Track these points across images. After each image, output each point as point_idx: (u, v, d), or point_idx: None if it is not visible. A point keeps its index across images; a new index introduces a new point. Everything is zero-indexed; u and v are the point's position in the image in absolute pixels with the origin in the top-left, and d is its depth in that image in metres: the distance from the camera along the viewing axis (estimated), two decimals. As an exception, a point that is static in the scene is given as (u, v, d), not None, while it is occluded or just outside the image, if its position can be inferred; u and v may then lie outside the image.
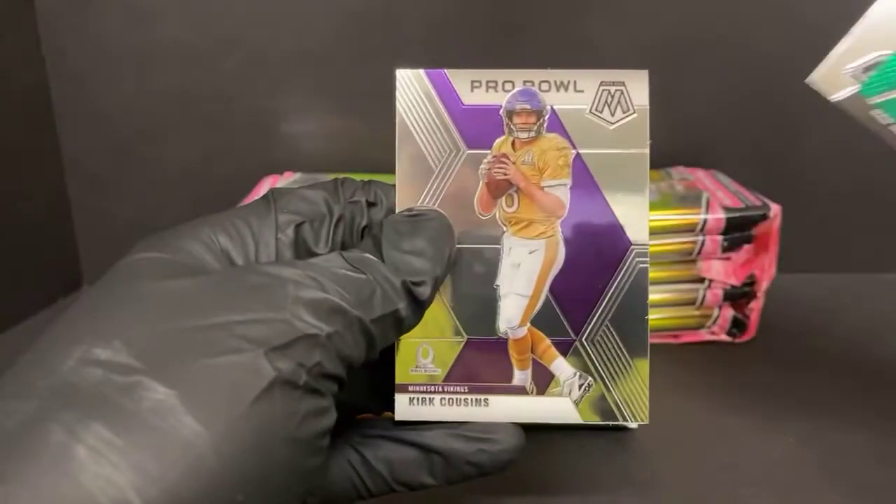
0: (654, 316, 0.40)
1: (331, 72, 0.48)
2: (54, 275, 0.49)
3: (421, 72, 0.24)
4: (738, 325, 0.40)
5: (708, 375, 0.38)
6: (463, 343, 0.23)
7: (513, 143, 0.23)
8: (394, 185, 0.24)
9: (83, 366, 0.16)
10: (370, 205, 0.23)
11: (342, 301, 0.19)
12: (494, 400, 0.23)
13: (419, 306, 0.21)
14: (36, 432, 0.15)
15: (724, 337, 0.41)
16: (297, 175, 0.47)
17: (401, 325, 0.21)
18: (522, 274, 0.23)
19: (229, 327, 0.17)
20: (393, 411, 0.23)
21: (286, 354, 0.17)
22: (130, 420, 0.15)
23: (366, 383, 0.24)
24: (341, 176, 0.24)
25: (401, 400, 0.23)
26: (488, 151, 0.23)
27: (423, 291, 0.21)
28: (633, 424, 0.33)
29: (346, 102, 0.48)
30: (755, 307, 0.40)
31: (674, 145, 0.48)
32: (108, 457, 0.15)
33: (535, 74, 0.23)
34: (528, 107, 0.23)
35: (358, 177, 0.49)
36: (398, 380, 0.23)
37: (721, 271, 0.39)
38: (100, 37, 0.47)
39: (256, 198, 0.23)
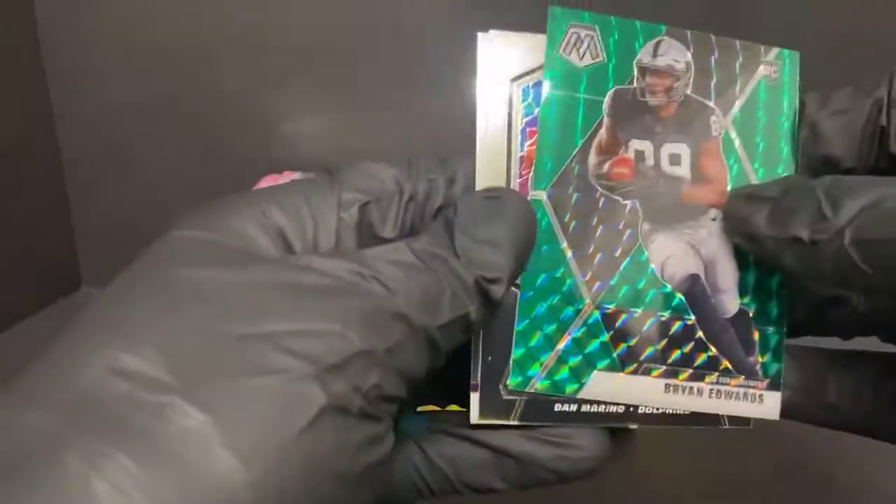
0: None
1: (330, 71, 0.48)
2: (53, 275, 0.49)
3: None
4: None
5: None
6: None
7: None
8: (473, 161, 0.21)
9: (109, 376, 0.14)
10: (449, 183, 0.21)
11: (406, 306, 0.16)
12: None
13: (491, 307, 0.18)
14: (53, 459, 0.13)
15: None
16: (297, 174, 0.47)
17: (469, 329, 0.18)
18: None
19: (277, 339, 0.15)
20: (460, 404, 0.21)
21: (339, 375, 0.15)
22: (158, 450, 0.13)
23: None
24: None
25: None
26: None
27: (497, 290, 0.18)
28: (633, 424, 0.33)
29: (345, 102, 0.48)
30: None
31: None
32: (130, 494, 0.13)
33: None
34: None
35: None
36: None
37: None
38: (99, 37, 0.47)
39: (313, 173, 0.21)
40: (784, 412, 0.22)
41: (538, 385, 0.21)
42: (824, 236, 0.17)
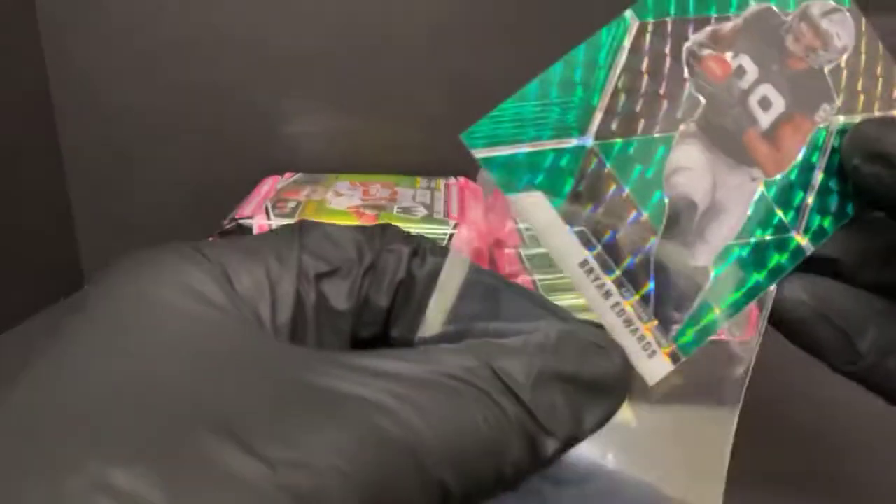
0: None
1: (331, 72, 0.48)
2: (55, 275, 0.49)
3: None
4: (736, 324, 0.40)
5: (705, 372, 0.38)
6: None
7: None
8: (442, 246, 0.20)
9: (93, 494, 0.12)
10: (412, 255, 0.19)
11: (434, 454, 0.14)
12: None
13: (532, 466, 0.15)
14: None
15: (724, 336, 0.41)
16: (298, 175, 0.47)
17: (498, 483, 0.15)
18: None
19: (277, 468, 0.12)
20: None
21: None
22: None
23: None
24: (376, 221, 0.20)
25: None
26: None
27: (549, 447, 0.15)
28: (634, 423, 0.33)
29: (346, 103, 0.48)
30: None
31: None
32: None
33: None
34: None
35: (356, 177, 0.49)
36: None
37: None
38: (101, 36, 0.47)
39: (279, 228, 0.19)
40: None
41: (489, 154, 0.19)
42: None
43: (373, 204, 0.42)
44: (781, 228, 0.20)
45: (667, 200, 0.19)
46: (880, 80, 0.20)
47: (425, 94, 0.48)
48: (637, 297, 0.19)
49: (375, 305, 0.18)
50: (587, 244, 0.19)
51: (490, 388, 0.14)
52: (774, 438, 0.32)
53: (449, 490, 0.14)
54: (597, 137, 0.19)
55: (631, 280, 0.19)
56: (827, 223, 0.20)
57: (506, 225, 0.45)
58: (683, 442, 0.21)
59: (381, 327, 0.18)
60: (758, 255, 0.20)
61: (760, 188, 0.20)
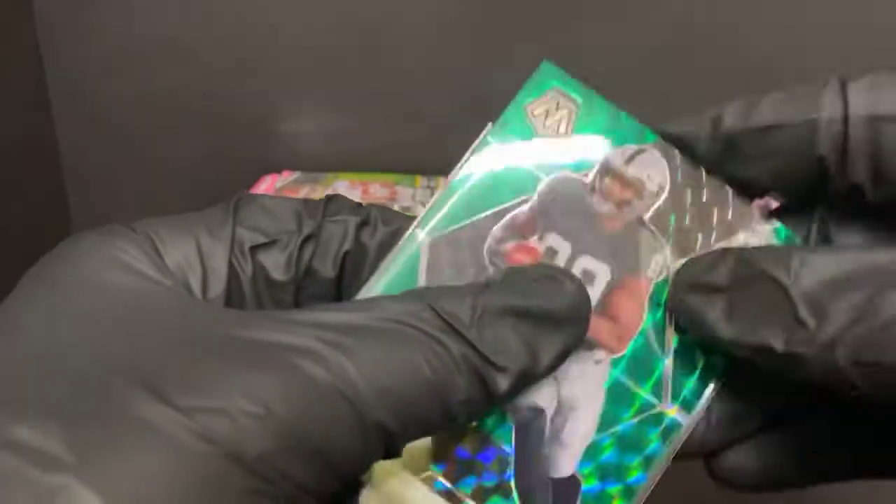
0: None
1: (331, 71, 0.48)
2: (52, 274, 0.49)
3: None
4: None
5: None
6: None
7: None
8: (397, 213, 0.19)
9: None
10: (362, 225, 0.19)
11: (368, 386, 0.13)
12: None
13: (486, 403, 0.15)
14: None
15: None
16: (297, 174, 0.47)
17: (448, 422, 0.15)
18: None
19: (193, 415, 0.12)
20: None
21: (257, 467, 0.13)
22: None
23: None
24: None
25: None
26: None
27: (501, 383, 0.15)
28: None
29: (344, 101, 0.48)
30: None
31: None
32: None
33: None
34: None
35: (355, 176, 0.49)
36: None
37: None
38: (98, 35, 0.47)
39: (216, 205, 0.19)
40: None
41: None
42: (807, 350, 0.14)
43: (372, 203, 0.41)
44: (645, 405, 0.18)
45: (512, 419, 0.17)
46: (713, 207, 0.18)
47: (425, 92, 0.48)
48: None
49: (321, 276, 0.18)
50: (442, 494, 0.17)
51: (431, 328, 0.14)
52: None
53: (389, 430, 0.14)
54: None
55: None
56: (696, 384, 0.18)
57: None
58: None
59: (334, 300, 0.18)
60: (630, 442, 0.17)
61: (609, 369, 0.18)
